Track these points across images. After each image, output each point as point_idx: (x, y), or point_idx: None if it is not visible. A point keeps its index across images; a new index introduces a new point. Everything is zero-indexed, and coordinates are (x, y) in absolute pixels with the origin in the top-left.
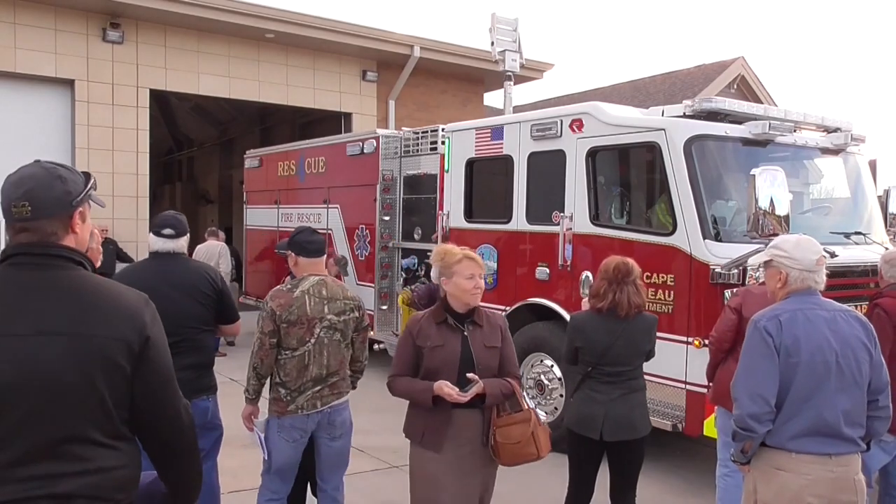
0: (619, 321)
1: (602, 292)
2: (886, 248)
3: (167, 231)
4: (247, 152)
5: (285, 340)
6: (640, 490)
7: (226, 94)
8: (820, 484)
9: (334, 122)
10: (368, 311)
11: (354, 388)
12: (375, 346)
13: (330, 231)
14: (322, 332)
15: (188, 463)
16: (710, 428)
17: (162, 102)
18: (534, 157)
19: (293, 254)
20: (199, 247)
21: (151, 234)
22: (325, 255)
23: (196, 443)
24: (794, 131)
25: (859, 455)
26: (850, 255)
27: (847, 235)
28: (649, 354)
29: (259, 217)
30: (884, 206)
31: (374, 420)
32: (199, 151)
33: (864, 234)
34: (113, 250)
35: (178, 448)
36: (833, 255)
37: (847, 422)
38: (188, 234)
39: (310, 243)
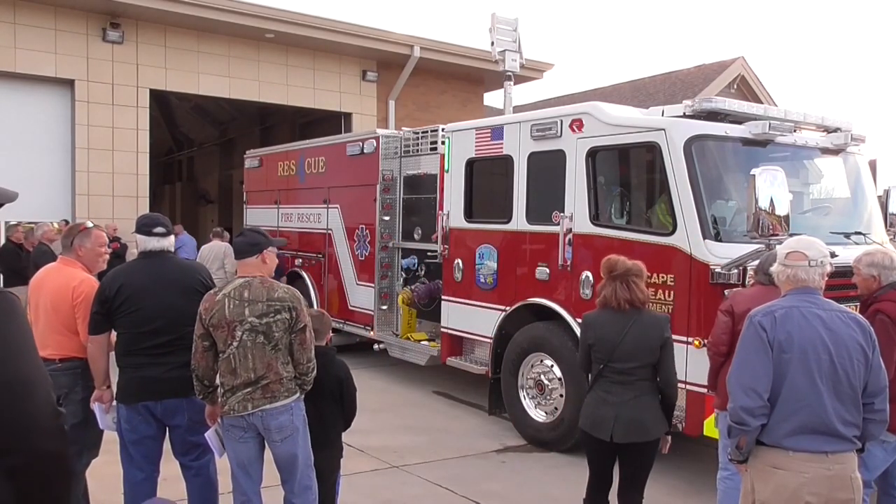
0: (625, 315)
1: (599, 288)
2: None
3: (158, 230)
4: (247, 152)
5: (217, 343)
6: None
7: (226, 94)
8: (817, 482)
9: (334, 122)
10: (368, 312)
11: (304, 391)
12: (375, 347)
13: (330, 231)
14: (244, 334)
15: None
16: (710, 428)
17: (162, 102)
18: (534, 157)
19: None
20: (203, 247)
21: (140, 235)
22: (260, 254)
23: (67, 472)
24: (794, 131)
25: (855, 453)
26: (850, 255)
27: (847, 235)
28: (664, 353)
29: (259, 217)
30: (884, 206)
31: (375, 420)
32: (199, 151)
33: (864, 234)
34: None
35: (35, 474)
36: (833, 255)
37: (841, 420)
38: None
39: (238, 244)
